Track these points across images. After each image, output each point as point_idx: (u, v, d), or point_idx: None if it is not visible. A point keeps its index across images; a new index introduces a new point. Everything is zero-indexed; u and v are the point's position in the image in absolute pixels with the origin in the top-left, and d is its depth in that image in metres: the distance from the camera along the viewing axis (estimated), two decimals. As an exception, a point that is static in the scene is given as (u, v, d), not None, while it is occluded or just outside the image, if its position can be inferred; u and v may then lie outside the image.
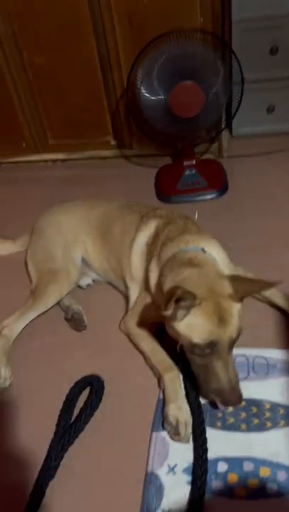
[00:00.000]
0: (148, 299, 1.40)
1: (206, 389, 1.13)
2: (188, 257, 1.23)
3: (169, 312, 1.07)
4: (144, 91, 1.74)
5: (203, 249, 1.27)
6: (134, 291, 1.49)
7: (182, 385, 1.26)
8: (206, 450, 1.11)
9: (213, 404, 1.19)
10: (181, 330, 1.10)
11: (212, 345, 1.08)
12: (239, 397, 1.10)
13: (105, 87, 2.16)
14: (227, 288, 1.11)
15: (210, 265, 1.21)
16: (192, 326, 1.09)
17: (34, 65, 2.14)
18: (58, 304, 1.57)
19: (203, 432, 1.15)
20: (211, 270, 1.19)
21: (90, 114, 2.28)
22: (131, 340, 1.43)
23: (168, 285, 1.18)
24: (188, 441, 1.15)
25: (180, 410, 1.19)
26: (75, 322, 1.52)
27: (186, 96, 1.71)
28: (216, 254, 1.30)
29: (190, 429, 1.16)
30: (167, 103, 1.74)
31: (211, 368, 1.10)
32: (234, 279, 1.15)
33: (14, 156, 2.49)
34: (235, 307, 1.11)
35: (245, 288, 1.13)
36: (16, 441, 1.24)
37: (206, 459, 1.10)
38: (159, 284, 1.28)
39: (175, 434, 1.16)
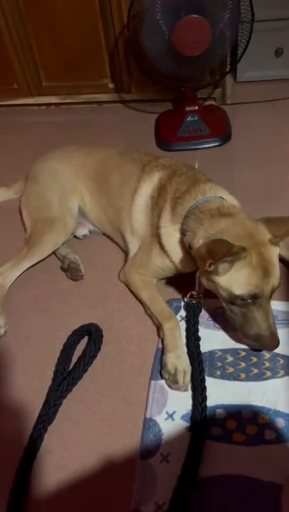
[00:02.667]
0: (152, 252, 1.34)
1: (245, 335, 1.13)
2: (214, 206, 1.17)
3: (212, 268, 1.03)
4: (146, 26, 1.61)
5: (222, 198, 1.21)
6: (135, 245, 1.44)
7: (181, 334, 1.25)
8: (205, 398, 1.11)
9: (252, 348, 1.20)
10: (223, 283, 1.08)
11: (255, 297, 1.06)
12: (277, 343, 1.11)
13: (103, 23, 2.01)
14: (266, 233, 1.08)
15: (240, 212, 1.16)
16: (236, 280, 1.06)
17: (26, -5, 1.97)
18: (53, 253, 1.53)
19: (203, 380, 1.15)
20: (243, 217, 1.14)
21: (87, 54, 2.13)
22: (130, 290, 1.40)
23: (201, 239, 1.12)
24: (186, 390, 1.15)
25: (179, 359, 1.18)
26: (72, 271, 1.48)
27: (192, 32, 1.59)
28: (232, 201, 1.24)
29: (188, 378, 1.16)
30: (171, 40, 1.61)
31: (251, 316, 1.09)
32: (268, 221, 1.11)
33: (5, 98, 2.36)
34: (276, 253, 1.08)
35: (282, 228, 1.08)
36: (14, 389, 1.23)
37: (205, 406, 1.10)
38: (182, 240, 1.23)
39: (173, 383, 1.16)
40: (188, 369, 1.17)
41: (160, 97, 2.20)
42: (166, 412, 1.12)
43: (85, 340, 1.30)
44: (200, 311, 1.30)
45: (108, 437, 1.10)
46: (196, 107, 1.99)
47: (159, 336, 1.27)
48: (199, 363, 1.18)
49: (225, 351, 1.22)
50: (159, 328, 1.28)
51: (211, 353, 1.22)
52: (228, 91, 2.17)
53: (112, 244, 1.59)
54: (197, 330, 1.26)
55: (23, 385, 1.24)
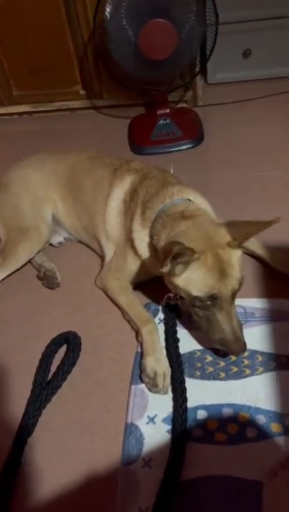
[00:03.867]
0: (127, 256, 1.34)
1: (211, 339, 1.11)
2: (179, 209, 1.17)
3: (166, 269, 1.03)
4: (112, 32, 1.62)
5: (189, 200, 1.21)
6: (110, 249, 1.43)
7: (159, 337, 1.24)
8: (185, 399, 1.11)
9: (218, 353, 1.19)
10: (181, 284, 1.07)
11: (213, 298, 1.05)
12: (243, 346, 1.08)
13: (71, 30, 2.02)
14: (225, 236, 1.07)
15: (203, 215, 1.16)
16: (192, 281, 1.05)
17: (-8, 4, 1.96)
18: (29, 262, 1.51)
19: (183, 381, 1.14)
20: (205, 220, 1.14)
21: (56, 61, 2.13)
22: (108, 295, 1.39)
23: (163, 242, 1.13)
24: (166, 393, 1.14)
25: (158, 362, 1.17)
26: (48, 280, 1.46)
27: (158, 36, 1.60)
28: (202, 203, 1.25)
29: (168, 381, 1.16)
30: (137, 45, 1.62)
31: (214, 319, 1.08)
32: (230, 224, 1.09)
33: (-24, 109, 2.34)
34: (236, 255, 1.07)
35: (242, 232, 1.07)
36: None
37: (186, 408, 1.09)
38: (152, 243, 1.22)
39: (153, 386, 1.15)
40: (168, 372, 1.17)
41: (132, 101, 2.20)
42: (148, 416, 1.11)
43: (63, 349, 1.29)
44: (178, 313, 1.29)
45: (90, 445, 1.09)
46: (168, 110, 2.00)
47: (137, 340, 1.26)
48: (179, 365, 1.17)
49: (204, 351, 1.21)
50: (137, 333, 1.27)
51: (190, 353, 1.22)
52: (199, 93, 2.19)
53: (88, 251, 1.58)
54: (176, 332, 1.26)
55: (2, 397, 1.21)
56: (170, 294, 1.27)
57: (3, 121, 2.35)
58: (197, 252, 1.02)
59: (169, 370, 1.17)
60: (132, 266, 1.33)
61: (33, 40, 2.07)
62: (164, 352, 1.22)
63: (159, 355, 1.19)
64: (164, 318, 1.30)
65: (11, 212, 1.53)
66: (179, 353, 1.21)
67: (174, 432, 1.06)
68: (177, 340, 1.23)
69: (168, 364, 1.18)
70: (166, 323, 1.28)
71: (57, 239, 1.60)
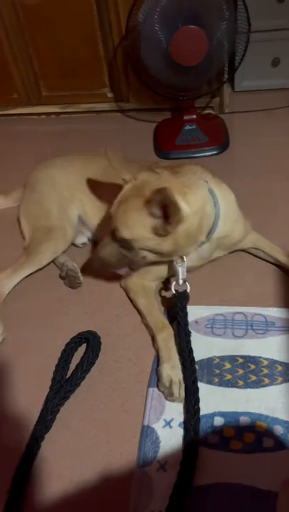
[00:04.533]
0: None
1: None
2: (179, 169, 1.20)
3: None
4: (144, 37, 1.63)
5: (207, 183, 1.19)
6: None
7: (174, 344, 1.23)
8: (198, 400, 1.11)
9: None
10: None
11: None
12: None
13: (102, 33, 2.03)
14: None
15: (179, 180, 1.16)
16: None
17: (26, 7, 1.99)
18: (52, 261, 1.53)
19: (196, 391, 1.13)
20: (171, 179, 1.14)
21: (86, 64, 2.15)
22: (129, 297, 1.40)
23: None
24: (182, 401, 1.14)
25: (173, 370, 1.17)
26: (70, 279, 1.48)
27: (189, 42, 1.60)
28: (221, 196, 1.22)
29: (183, 389, 1.15)
30: (168, 50, 1.63)
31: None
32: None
33: (5, 107, 2.38)
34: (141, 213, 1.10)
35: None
36: (11, 397, 1.23)
37: (199, 408, 1.09)
38: None
39: (169, 395, 1.15)
40: (182, 381, 1.16)
41: (158, 106, 2.21)
42: (164, 420, 1.11)
43: (82, 348, 1.30)
44: (188, 300, 1.25)
45: (106, 445, 1.10)
46: (194, 116, 2.00)
47: (154, 346, 1.26)
48: (191, 362, 1.16)
49: (223, 358, 1.21)
50: (153, 339, 1.27)
51: (209, 360, 1.22)
52: (225, 100, 2.19)
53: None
54: (187, 324, 1.22)
55: (21, 393, 1.23)
56: (178, 281, 1.25)
57: (30, 121, 2.39)
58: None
59: (182, 379, 1.17)
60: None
61: (64, 42, 2.10)
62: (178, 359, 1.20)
63: (174, 362, 1.19)
64: (175, 309, 1.24)
65: (37, 211, 1.55)
66: (191, 348, 1.18)
67: (186, 433, 1.07)
68: (189, 333, 1.21)
69: (181, 372, 1.18)
70: (176, 314, 1.23)
71: (81, 239, 1.61)
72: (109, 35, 2.03)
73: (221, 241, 1.30)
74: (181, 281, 1.24)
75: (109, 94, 2.26)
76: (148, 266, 1.32)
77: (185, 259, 1.23)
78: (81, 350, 1.30)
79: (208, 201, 1.18)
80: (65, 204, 1.55)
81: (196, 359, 1.22)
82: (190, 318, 1.31)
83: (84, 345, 1.31)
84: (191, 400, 1.11)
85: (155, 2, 1.57)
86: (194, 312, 1.33)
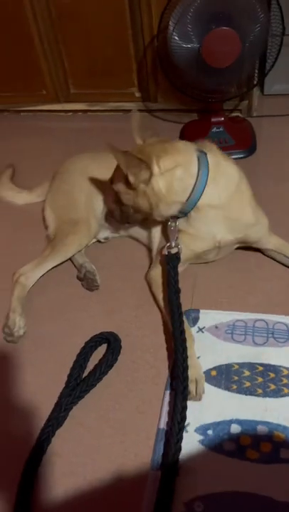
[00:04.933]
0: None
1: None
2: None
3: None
4: (176, 37, 1.62)
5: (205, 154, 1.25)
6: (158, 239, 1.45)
7: (194, 345, 1.23)
8: (186, 358, 1.13)
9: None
10: None
11: None
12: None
13: (133, 32, 2.03)
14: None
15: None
16: None
17: (59, 5, 2.01)
18: (71, 260, 1.53)
19: (182, 332, 1.17)
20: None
21: (115, 63, 2.15)
22: (151, 291, 1.39)
23: None
24: (200, 399, 1.13)
25: (190, 369, 1.15)
26: (88, 281, 1.47)
27: (221, 44, 1.59)
28: (214, 164, 1.24)
29: (201, 388, 1.14)
30: (200, 51, 1.62)
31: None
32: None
33: (33, 104, 2.40)
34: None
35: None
36: (28, 390, 1.24)
37: (187, 366, 1.12)
38: None
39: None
40: (201, 379, 1.16)
41: (186, 107, 2.20)
42: (180, 424, 1.10)
43: (100, 348, 1.30)
44: (179, 261, 1.30)
45: (120, 445, 1.09)
46: (222, 118, 1.98)
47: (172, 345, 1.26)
48: (179, 315, 1.20)
49: (242, 365, 1.20)
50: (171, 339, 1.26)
51: (228, 366, 1.20)
52: (254, 103, 2.16)
53: (131, 251, 1.59)
54: (177, 281, 1.26)
55: (38, 387, 1.24)
56: (169, 243, 1.31)
57: (58, 118, 2.40)
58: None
59: (202, 377, 1.17)
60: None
61: (94, 41, 2.10)
62: (197, 360, 1.20)
63: (192, 361, 1.17)
64: (167, 269, 1.29)
65: (65, 202, 1.56)
66: (180, 302, 1.22)
67: (167, 446, 1.04)
68: (178, 290, 1.25)
69: (201, 371, 1.18)
70: (168, 273, 1.28)
71: (103, 234, 1.61)
72: (140, 35, 2.03)
73: (220, 214, 1.27)
74: (173, 244, 1.30)
75: (137, 94, 2.26)
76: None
77: (178, 222, 1.30)
78: (99, 349, 1.30)
79: (185, 165, 1.21)
80: (93, 196, 1.55)
81: (215, 364, 1.22)
82: (210, 323, 1.31)
83: (101, 346, 1.30)
84: (180, 356, 1.14)
85: (189, 3, 1.56)
86: (215, 317, 1.32)
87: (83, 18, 2.04)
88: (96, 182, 1.54)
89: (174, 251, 1.30)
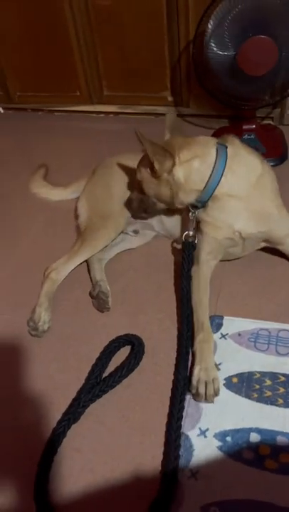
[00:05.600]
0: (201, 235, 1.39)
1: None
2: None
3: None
4: (212, 43, 1.63)
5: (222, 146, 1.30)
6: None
7: (213, 348, 1.23)
8: (188, 352, 1.21)
9: None
10: None
11: None
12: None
13: (169, 38, 2.05)
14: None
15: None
16: None
17: (98, 8, 2.04)
18: (88, 274, 1.54)
19: (189, 323, 1.26)
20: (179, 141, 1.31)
21: (149, 67, 2.18)
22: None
23: None
24: (212, 402, 1.14)
25: (204, 371, 1.17)
26: (99, 302, 1.44)
27: (258, 52, 1.59)
28: (232, 155, 1.29)
29: (211, 389, 1.14)
30: (236, 58, 1.62)
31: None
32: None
33: (67, 104, 2.44)
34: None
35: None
36: (49, 384, 1.27)
37: (180, 427, 1.11)
38: None
39: (196, 395, 1.15)
40: (215, 381, 1.16)
41: (217, 113, 2.21)
42: (199, 429, 1.11)
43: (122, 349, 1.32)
44: (194, 249, 1.38)
45: (139, 446, 1.11)
46: (254, 126, 1.98)
47: (191, 347, 1.25)
48: (188, 300, 1.30)
49: (264, 374, 1.20)
50: (193, 338, 1.26)
51: (250, 374, 1.20)
52: (287, 111, 2.15)
53: (158, 253, 1.61)
54: (190, 269, 1.35)
55: (60, 382, 1.27)
56: (189, 232, 1.38)
57: (90, 119, 2.45)
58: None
59: (217, 380, 1.16)
60: (204, 244, 1.36)
61: (130, 44, 2.13)
62: (214, 362, 1.20)
63: (207, 364, 1.18)
64: (182, 256, 1.38)
65: (101, 195, 1.59)
66: (191, 305, 1.30)
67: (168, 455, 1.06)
68: (190, 277, 1.34)
69: (215, 374, 1.18)
70: (182, 260, 1.36)
71: (132, 227, 1.62)
72: (176, 40, 2.05)
73: (240, 204, 1.30)
74: (190, 233, 1.37)
75: (170, 98, 2.27)
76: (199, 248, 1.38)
77: (197, 212, 1.35)
78: (121, 350, 1.31)
79: (203, 156, 1.27)
80: (127, 194, 1.57)
81: (237, 372, 1.22)
82: (233, 330, 1.31)
83: (124, 347, 1.32)
84: (183, 347, 1.23)
85: (228, 10, 1.57)
86: (238, 324, 1.32)
87: (120, 22, 2.07)
88: (131, 180, 1.57)
89: (191, 239, 1.37)
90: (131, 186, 1.53)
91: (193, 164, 1.27)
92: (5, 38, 2.28)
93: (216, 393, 1.15)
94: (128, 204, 1.53)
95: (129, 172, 1.59)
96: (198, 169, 1.28)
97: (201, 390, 1.15)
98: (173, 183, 1.30)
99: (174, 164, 1.27)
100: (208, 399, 1.14)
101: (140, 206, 1.48)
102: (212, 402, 1.15)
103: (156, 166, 1.28)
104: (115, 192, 1.57)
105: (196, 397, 1.15)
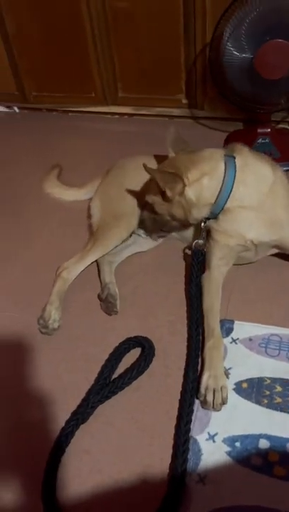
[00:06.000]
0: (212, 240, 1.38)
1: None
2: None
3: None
4: (229, 46, 1.63)
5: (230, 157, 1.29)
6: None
7: (222, 355, 1.22)
8: (198, 354, 1.21)
9: None
10: None
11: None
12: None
13: (185, 40, 2.05)
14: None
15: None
16: None
17: (115, 9, 2.05)
18: (98, 276, 1.54)
19: (198, 328, 1.28)
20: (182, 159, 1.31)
21: (165, 69, 2.18)
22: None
23: None
24: (219, 410, 1.13)
25: (212, 379, 1.16)
26: (107, 305, 1.43)
27: (275, 56, 1.58)
28: (241, 166, 1.28)
29: (219, 398, 1.14)
30: (253, 62, 1.62)
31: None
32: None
33: (82, 105, 2.45)
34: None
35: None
36: (58, 384, 1.27)
37: (189, 431, 1.10)
38: None
39: (204, 402, 1.14)
40: (223, 389, 1.15)
41: (232, 116, 2.20)
42: (208, 433, 1.11)
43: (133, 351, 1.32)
44: (203, 257, 1.39)
45: (147, 448, 1.11)
46: (269, 130, 1.97)
47: (201, 352, 1.25)
48: (197, 306, 1.32)
49: (274, 380, 1.19)
50: (203, 343, 1.26)
51: (260, 380, 1.20)
52: (302, 116, 2.14)
53: (170, 256, 1.60)
54: (198, 276, 1.37)
55: (68, 382, 1.27)
56: (199, 241, 1.39)
57: (104, 120, 2.45)
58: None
59: (226, 388, 1.16)
60: (215, 250, 1.36)
61: (146, 46, 2.13)
62: (223, 370, 1.19)
63: (216, 371, 1.17)
64: (191, 263, 1.40)
65: (115, 195, 1.59)
66: (202, 310, 1.30)
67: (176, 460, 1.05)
68: (199, 284, 1.35)
69: (224, 382, 1.17)
70: (191, 268, 1.39)
71: None
72: (192, 42, 2.04)
73: (252, 214, 1.29)
74: (200, 241, 1.38)
75: (184, 100, 2.27)
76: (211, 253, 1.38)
77: (208, 222, 1.36)
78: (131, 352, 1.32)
79: (211, 173, 1.26)
80: (140, 195, 1.56)
81: (247, 377, 1.21)
82: (244, 335, 1.30)
83: (134, 349, 1.32)
84: (193, 351, 1.24)
85: (246, 13, 1.56)
86: (249, 329, 1.32)
87: (137, 24, 2.08)
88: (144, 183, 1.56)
89: (200, 247, 1.39)
90: (141, 203, 1.52)
91: (203, 182, 1.27)
92: (22, 38, 2.30)
93: (224, 402, 1.14)
94: (141, 224, 1.55)
95: (143, 174, 1.57)
96: (208, 186, 1.27)
97: (209, 398, 1.14)
98: (185, 204, 1.30)
99: (184, 186, 1.26)
100: (215, 407, 1.14)
101: (154, 225, 1.49)
102: (219, 410, 1.14)
103: (168, 192, 1.28)
104: (128, 194, 1.57)
105: (204, 404, 1.15)
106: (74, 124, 2.47)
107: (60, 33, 2.22)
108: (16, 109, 2.67)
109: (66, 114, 2.54)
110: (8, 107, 2.67)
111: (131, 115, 2.44)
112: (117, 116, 2.46)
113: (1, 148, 2.36)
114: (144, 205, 1.48)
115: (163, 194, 1.31)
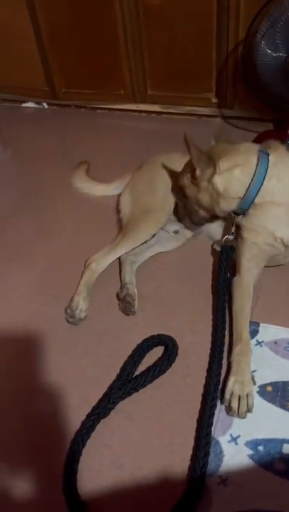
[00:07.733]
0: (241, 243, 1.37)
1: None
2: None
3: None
4: (264, 45, 1.61)
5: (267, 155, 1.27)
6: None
7: (250, 361, 1.19)
8: (209, 433, 1.08)
9: None
10: None
11: None
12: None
13: (217, 39, 2.04)
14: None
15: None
16: None
17: (148, 6, 2.05)
18: (120, 275, 1.54)
19: (223, 330, 1.26)
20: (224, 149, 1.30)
21: (195, 67, 2.17)
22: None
23: None
24: (244, 417, 1.11)
25: (239, 385, 1.14)
26: (125, 305, 1.43)
27: (310, 55, 1.56)
28: (274, 162, 1.26)
29: (244, 407, 1.11)
30: (287, 60, 1.59)
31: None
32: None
33: (111, 102, 2.47)
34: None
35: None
36: (81, 378, 1.27)
37: (210, 434, 1.08)
38: None
39: (229, 409, 1.12)
40: (249, 396, 1.13)
41: (262, 116, 2.18)
42: (230, 435, 1.09)
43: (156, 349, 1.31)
44: (233, 252, 1.38)
45: (168, 447, 1.10)
46: (299, 131, 1.94)
47: (228, 356, 1.23)
48: (223, 307, 1.31)
49: (300, 384, 1.17)
50: (231, 347, 1.24)
51: (285, 383, 1.17)
52: None
53: (195, 256, 1.59)
54: (226, 272, 1.36)
55: (92, 376, 1.27)
56: (229, 236, 1.38)
57: (133, 117, 2.46)
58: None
59: (252, 396, 1.13)
60: (245, 251, 1.34)
61: (178, 45, 2.13)
62: (250, 376, 1.17)
63: (243, 377, 1.15)
64: (219, 259, 1.38)
65: (146, 189, 1.60)
66: (226, 311, 1.30)
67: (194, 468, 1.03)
68: (227, 280, 1.34)
69: (250, 389, 1.14)
70: (220, 263, 1.37)
71: (173, 227, 1.63)
72: (224, 41, 2.03)
73: (283, 211, 1.27)
74: (230, 237, 1.38)
75: (214, 100, 2.26)
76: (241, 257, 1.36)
77: (240, 217, 1.34)
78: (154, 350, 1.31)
79: (243, 165, 1.26)
80: (170, 192, 1.57)
81: (271, 380, 1.19)
82: (269, 338, 1.29)
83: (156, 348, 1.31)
84: (217, 353, 1.22)
85: (282, 12, 1.54)
86: (274, 332, 1.30)
87: (169, 21, 2.07)
88: (174, 179, 1.56)
89: (229, 243, 1.38)
90: (175, 190, 1.54)
91: (234, 173, 1.27)
92: (53, 35, 2.32)
93: (250, 410, 1.12)
94: (175, 211, 1.57)
95: (174, 171, 1.58)
96: (238, 178, 1.27)
97: (234, 405, 1.12)
98: (212, 192, 1.30)
99: (214, 173, 1.27)
100: (240, 415, 1.12)
101: (185, 212, 1.49)
102: (244, 418, 1.12)
103: (198, 172, 1.29)
104: (158, 188, 1.57)
105: (228, 411, 1.13)
106: (102, 121, 2.48)
107: (91, 30, 2.23)
108: (45, 106, 2.70)
109: (94, 111, 2.56)
110: (37, 103, 2.70)
111: (159, 113, 2.43)
112: (144, 114, 2.46)
113: (30, 143, 2.39)
114: (177, 190, 1.50)
115: (193, 174, 1.31)
